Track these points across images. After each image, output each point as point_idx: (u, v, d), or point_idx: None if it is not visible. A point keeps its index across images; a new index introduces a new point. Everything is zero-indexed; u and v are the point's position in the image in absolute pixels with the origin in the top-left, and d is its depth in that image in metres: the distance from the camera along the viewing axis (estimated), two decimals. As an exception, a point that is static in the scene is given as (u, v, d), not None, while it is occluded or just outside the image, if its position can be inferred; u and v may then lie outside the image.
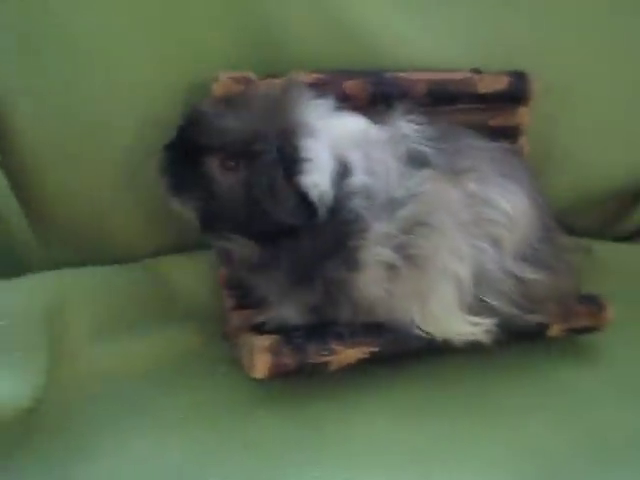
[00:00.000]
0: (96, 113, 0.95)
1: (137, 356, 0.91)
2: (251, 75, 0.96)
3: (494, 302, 0.85)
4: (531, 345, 0.97)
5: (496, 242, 0.85)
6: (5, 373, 0.80)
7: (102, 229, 1.01)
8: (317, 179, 0.80)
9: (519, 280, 0.86)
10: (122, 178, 0.99)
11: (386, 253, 0.82)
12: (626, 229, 1.30)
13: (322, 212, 0.80)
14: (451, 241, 0.83)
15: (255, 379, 0.83)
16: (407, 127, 0.87)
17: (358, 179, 0.82)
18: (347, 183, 0.81)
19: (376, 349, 0.86)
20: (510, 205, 0.86)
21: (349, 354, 0.85)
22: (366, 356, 0.85)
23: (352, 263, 0.83)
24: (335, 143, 0.82)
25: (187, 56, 0.96)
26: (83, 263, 0.99)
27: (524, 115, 1.06)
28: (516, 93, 1.04)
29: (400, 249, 0.82)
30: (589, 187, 1.22)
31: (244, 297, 0.96)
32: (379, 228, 0.82)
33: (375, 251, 0.82)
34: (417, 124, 0.88)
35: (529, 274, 0.86)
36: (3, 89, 0.90)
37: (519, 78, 1.04)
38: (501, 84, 1.03)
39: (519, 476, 0.76)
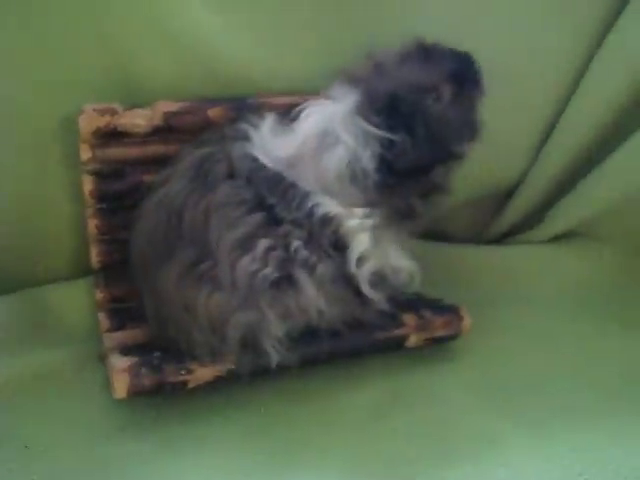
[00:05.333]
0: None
1: (7, 383, 0.94)
2: (116, 106, 1.00)
3: None
4: (392, 355, 1.01)
5: None
6: None
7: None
8: None
9: None
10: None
11: None
12: (496, 232, 1.35)
13: None
14: None
15: (115, 401, 0.86)
16: None
17: None
18: None
19: (232, 367, 0.89)
20: None
21: (205, 372, 0.89)
22: (223, 374, 0.89)
23: None
24: None
25: (57, 89, 1.01)
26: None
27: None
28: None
29: None
30: (459, 193, 1.26)
31: (121, 318, 1.00)
32: None
33: None
34: None
35: None
36: None
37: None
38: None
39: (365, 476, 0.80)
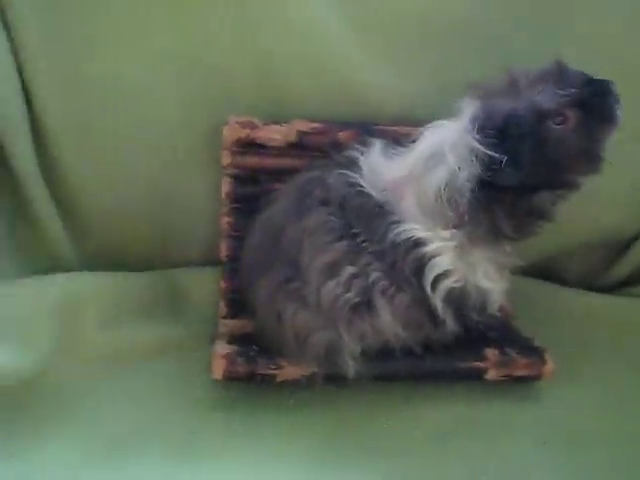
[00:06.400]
0: (125, 146, 1.16)
1: (132, 349, 1.09)
2: (256, 120, 1.13)
3: None
4: (475, 384, 1.05)
5: None
6: (10, 348, 1.01)
7: (129, 242, 1.23)
8: None
9: None
10: (148, 202, 1.20)
11: None
12: (611, 280, 1.33)
13: None
14: None
15: (215, 381, 1.00)
16: None
17: None
18: None
19: (316, 370, 0.99)
20: None
21: (293, 371, 0.99)
22: (308, 375, 0.99)
23: None
24: None
25: (204, 101, 1.15)
26: (109, 268, 1.20)
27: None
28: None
29: None
30: (576, 236, 1.26)
31: (238, 308, 1.12)
32: None
33: None
34: None
35: None
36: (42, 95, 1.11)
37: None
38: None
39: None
